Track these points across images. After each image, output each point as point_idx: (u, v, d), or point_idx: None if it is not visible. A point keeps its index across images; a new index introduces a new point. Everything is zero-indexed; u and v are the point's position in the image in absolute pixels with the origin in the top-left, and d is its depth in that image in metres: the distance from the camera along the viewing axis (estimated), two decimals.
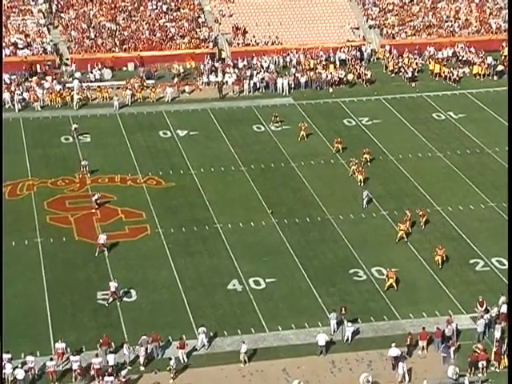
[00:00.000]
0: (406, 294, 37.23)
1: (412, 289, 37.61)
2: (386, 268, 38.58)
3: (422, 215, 42.41)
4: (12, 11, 65.29)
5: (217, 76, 60.70)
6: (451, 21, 69.44)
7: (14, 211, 43.08)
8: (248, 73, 60.92)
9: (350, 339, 34.11)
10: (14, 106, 55.45)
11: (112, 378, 31.08)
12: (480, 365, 32.22)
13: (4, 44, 61.80)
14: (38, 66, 60.26)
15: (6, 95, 55.94)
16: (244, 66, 62.30)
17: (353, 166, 47.24)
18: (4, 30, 63.28)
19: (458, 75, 61.80)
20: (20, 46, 62.14)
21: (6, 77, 58.54)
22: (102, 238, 39.75)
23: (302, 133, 51.92)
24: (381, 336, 34.44)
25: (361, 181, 45.99)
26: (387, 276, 37.60)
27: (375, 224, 42.84)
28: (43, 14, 65.49)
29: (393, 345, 32.62)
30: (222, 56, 64.91)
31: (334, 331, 34.32)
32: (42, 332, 34.10)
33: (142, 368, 32.34)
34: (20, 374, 31.07)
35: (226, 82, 60.29)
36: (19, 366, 31.49)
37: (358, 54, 65.17)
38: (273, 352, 33.40)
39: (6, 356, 31.73)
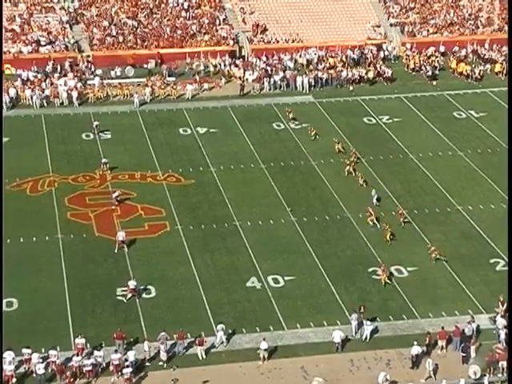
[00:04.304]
0: (425, 293, 37.11)
1: (431, 288, 37.49)
2: (405, 267, 38.53)
3: (401, 214, 42.23)
4: (35, 9, 65.75)
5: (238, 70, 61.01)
6: (473, 18, 69.04)
7: (35, 207, 43.41)
8: (270, 70, 60.99)
9: (368, 338, 34.07)
10: (34, 102, 55.76)
11: (130, 370, 31.26)
12: (500, 365, 32.06)
13: (27, 41, 62.26)
14: (68, 64, 60.64)
15: (28, 92, 56.32)
16: (265, 63, 62.38)
17: (347, 167, 47.09)
18: (27, 27, 63.77)
19: (479, 73, 61.42)
20: (42, 43, 62.56)
21: (29, 74, 58.94)
22: (121, 235, 39.96)
23: (312, 132, 51.80)
24: (400, 335, 34.38)
25: (363, 183, 45.72)
26: (383, 271, 37.54)
27: (394, 222, 42.66)
28: (65, 11, 65.86)
29: (415, 343, 32.58)
30: (243, 53, 64.95)
31: (356, 332, 34.27)
32: (62, 327, 34.33)
33: (164, 364, 32.44)
34: (41, 368, 31.29)
35: (247, 80, 60.39)
36: (40, 360, 31.73)
37: (379, 51, 65.00)
38: (291, 350, 33.44)
39: (26, 351, 32.03)
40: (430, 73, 61.71)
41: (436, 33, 67.59)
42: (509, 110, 51.23)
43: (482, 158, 49.78)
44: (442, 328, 33.85)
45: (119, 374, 31.42)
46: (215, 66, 62.25)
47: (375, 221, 41.96)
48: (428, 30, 67.65)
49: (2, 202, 42.96)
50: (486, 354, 32.40)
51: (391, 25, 68.50)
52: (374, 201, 43.97)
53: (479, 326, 34.43)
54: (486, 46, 65.66)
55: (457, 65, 62.88)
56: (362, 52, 64.51)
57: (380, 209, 43.49)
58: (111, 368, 31.91)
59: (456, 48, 65.38)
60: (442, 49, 65.42)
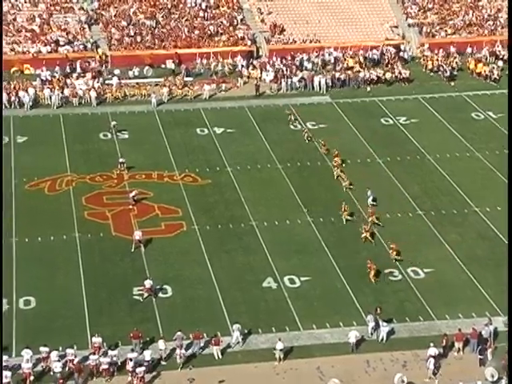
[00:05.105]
0: (442, 294, 36.98)
1: (448, 289, 37.36)
2: (421, 268, 38.45)
3: (372, 214, 42.02)
4: (55, 9, 66.17)
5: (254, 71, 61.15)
6: (493, 19, 68.65)
7: (53, 206, 43.66)
8: (286, 71, 61.01)
9: (384, 339, 34.01)
10: (53, 102, 55.99)
11: (143, 368, 31.36)
12: None
13: (46, 41, 62.68)
14: (79, 63, 61.05)
15: (46, 91, 56.65)
16: (284, 64, 62.41)
17: (335, 169, 46.96)
18: (46, 27, 64.19)
19: (497, 74, 61.09)
20: (61, 43, 62.94)
21: (46, 74, 59.34)
22: (138, 235, 40.11)
23: (306, 135, 51.59)
24: (416, 336, 34.29)
25: (347, 185, 45.45)
26: (369, 268, 37.53)
27: (411, 224, 42.58)
28: (84, 11, 66.22)
29: (431, 345, 32.50)
30: (260, 54, 64.97)
31: (372, 333, 34.24)
32: (79, 326, 34.51)
33: (181, 365, 32.53)
34: (58, 367, 31.50)
35: (264, 80, 60.43)
36: (57, 359, 31.91)
37: (397, 52, 64.83)
38: (307, 350, 33.43)
39: (43, 349, 32.24)
40: (448, 73, 61.46)
41: (454, 33, 67.28)
42: (509, 110, 51.07)
43: (500, 159, 49.47)
44: (459, 330, 33.73)
45: (134, 373, 31.49)
46: (227, 66, 62.22)
47: (347, 217, 41.95)
48: (446, 31, 67.37)
49: (1, 202, 43.14)
50: (503, 357, 32.20)
51: (409, 25, 68.30)
52: (370, 201, 43.74)
53: (497, 329, 34.27)
54: (500, 46, 65.16)
55: (475, 65, 62.60)
56: (382, 53, 64.36)
57: (378, 209, 43.22)
58: (127, 367, 31.96)
59: (469, 49, 65.11)
60: (453, 50, 64.98)
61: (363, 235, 40.65)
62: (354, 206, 43.78)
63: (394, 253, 39.20)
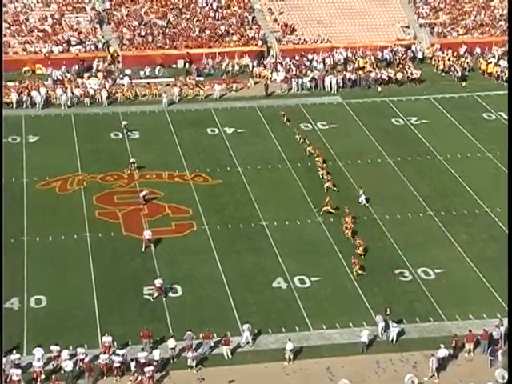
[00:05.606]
0: (452, 295, 36.90)
1: (459, 290, 37.26)
2: (432, 269, 38.37)
3: (348, 214, 41.94)
4: (67, 9, 66.43)
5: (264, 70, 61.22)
6: (505, 19, 68.40)
7: (64, 206, 43.84)
8: (295, 71, 61.02)
9: (394, 340, 33.96)
10: (64, 102, 56.13)
11: (152, 368, 31.42)
12: None
13: (58, 41, 62.93)
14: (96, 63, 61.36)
15: (58, 91, 56.85)
16: (294, 64, 62.41)
17: (320, 171, 46.86)
18: (58, 27, 64.47)
19: (509, 74, 60.85)
20: (73, 43, 63.17)
21: (57, 73, 59.55)
22: (148, 234, 40.22)
23: (298, 137, 51.42)
24: (426, 337, 34.22)
25: (328, 188, 45.20)
26: (354, 263, 37.72)
27: (422, 224, 42.51)
28: (96, 11, 66.39)
29: (441, 346, 32.44)
30: (271, 54, 64.96)
31: (382, 334, 34.22)
32: (90, 325, 34.63)
33: (189, 363, 32.58)
34: (69, 365, 31.61)
35: (274, 80, 60.44)
36: (68, 358, 32.04)
37: (408, 52, 64.69)
38: (317, 351, 33.42)
39: (54, 348, 32.38)
40: (459, 74, 61.28)
41: (466, 34, 67.07)
42: (509, 111, 50.81)
43: None
44: (470, 331, 33.64)
45: (137, 372, 31.49)
46: (234, 66, 62.24)
47: (330, 210, 42.23)
48: (458, 31, 67.18)
49: (1, 202, 43.23)
50: None
51: (421, 25, 68.14)
52: (362, 200, 43.64)
53: (507, 330, 34.11)
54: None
55: (486, 66, 62.40)
56: (394, 53, 64.24)
57: (374, 209, 43.26)
58: (131, 367, 31.98)
59: (477, 50, 64.91)
60: (461, 51, 64.80)
61: (347, 232, 40.75)
62: (365, 208, 43.75)
63: (361, 249, 39.17)
